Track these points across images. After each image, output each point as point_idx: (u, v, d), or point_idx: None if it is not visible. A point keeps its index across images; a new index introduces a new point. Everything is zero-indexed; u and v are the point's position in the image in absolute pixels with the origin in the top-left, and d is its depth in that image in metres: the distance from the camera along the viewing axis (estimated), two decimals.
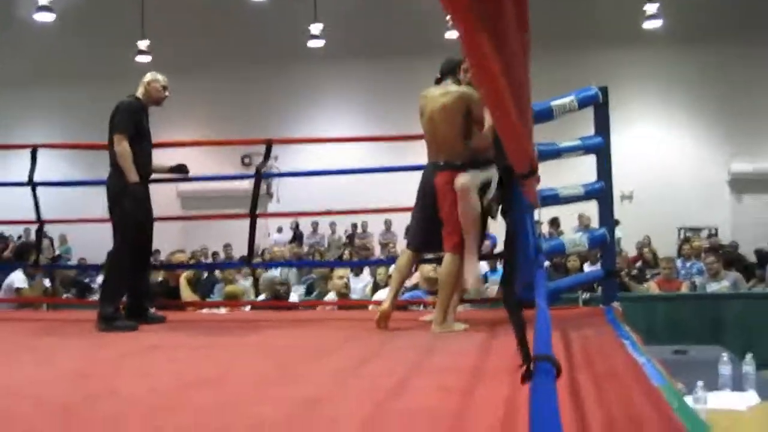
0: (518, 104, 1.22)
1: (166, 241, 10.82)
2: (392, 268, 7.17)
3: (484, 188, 4.23)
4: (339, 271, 6.88)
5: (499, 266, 10.55)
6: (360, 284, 9.69)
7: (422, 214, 4.41)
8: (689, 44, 17.01)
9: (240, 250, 14.43)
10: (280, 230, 17.21)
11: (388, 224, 16.64)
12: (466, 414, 2.37)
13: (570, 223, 13.74)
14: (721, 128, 17.21)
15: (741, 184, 17.25)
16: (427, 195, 4.35)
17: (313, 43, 17.18)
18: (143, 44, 16.81)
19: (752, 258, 14.05)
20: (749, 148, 16.99)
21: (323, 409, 2.51)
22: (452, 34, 15.88)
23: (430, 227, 4.33)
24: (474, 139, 4.25)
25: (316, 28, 16.86)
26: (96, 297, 7.05)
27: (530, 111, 1.49)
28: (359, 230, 16.88)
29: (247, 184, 14.51)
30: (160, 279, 7.51)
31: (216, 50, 18.15)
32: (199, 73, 18.09)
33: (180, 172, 5.46)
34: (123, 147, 4.68)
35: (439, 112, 4.25)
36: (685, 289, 8.98)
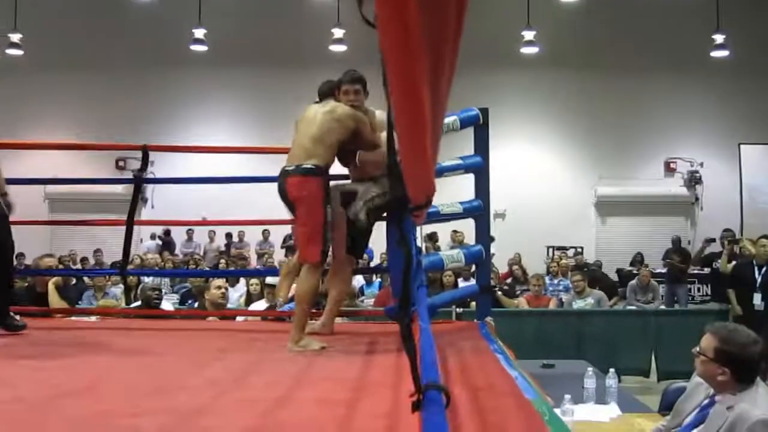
0: (434, 131, 1.23)
1: (31, 245, 10.33)
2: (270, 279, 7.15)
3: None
4: (217, 281, 6.72)
5: (376, 279, 10.69)
6: (236, 294, 9.55)
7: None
8: (563, 70, 17.77)
9: (110, 255, 13.96)
10: (153, 237, 16.68)
11: (265, 234, 16.48)
12: (348, 426, 2.38)
13: (443, 239, 14.02)
14: (589, 152, 18.06)
15: (606, 207, 18.14)
16: (285, 203, 4.07)
17: (196, 48, 16.86)
18: (15, 37, 15.98)
19: (615, 277, 14.82)
20: (615, 173, 17.90)
21: (201, 421, 2.45)
22: (336, 47, 15.98)
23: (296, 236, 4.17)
24: (367, 155, 4.17)
25: (199, 32, 16.55)
26: None
27: (439, 141, 1.51)
28: (236, 239, 16.63)
29: (120, 189, 14.22)
30: (26, 284, 7.15)
31: (95, 50, 17.47)
32: (76, 72, 17.41)
33: None
34: None
35: (318, 117, 4.05)
36: (552, 305, 9.34)
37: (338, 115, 4.06)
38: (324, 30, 16.27)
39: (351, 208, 4.17)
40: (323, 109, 4.11)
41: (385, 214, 4.33)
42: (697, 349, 3.19)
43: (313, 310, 4.38)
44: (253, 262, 15.02)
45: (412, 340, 2.31)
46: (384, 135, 4.13)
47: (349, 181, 4.44)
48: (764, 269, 8.11)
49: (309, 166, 3.93)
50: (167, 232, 16.65)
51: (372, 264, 11.10)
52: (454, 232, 13.35)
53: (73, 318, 6.07)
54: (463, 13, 1.02)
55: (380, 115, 4.19)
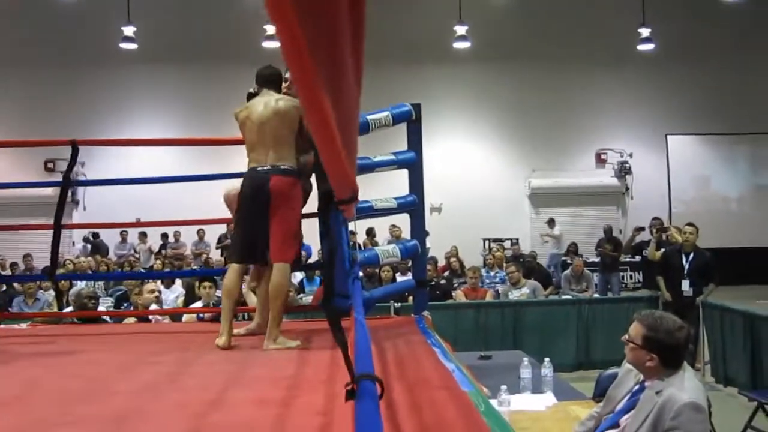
0: (344, 132, 1.24)
1: None
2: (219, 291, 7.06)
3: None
4: (149, 285, 6.61)
5: (316, 276, 10.65)
6: (172, 296, 9.40)
7: (248, 222, 4.10)
8: (495, 65, 18.02)
9: (41, 260, 13.58)
10: (86, 240, 16.22)
11: (201, 234, 16.26)
12: (284, 425, 2.37)
13: (383, 234, 14.07)
14: (522, 145, 18.35)
15: (540, 198, 18.45)
16: (256, 201, 4.02)
17: (125, 46, 16.52)
18: None
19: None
20: (547, 165, 18.24)
21: (135, 426, 2.42)
22: (269, 43, 15.85)
23: (256, 236, 4.04)
24: (308, 156, 4.17)
25: (129, 29, 16.22)
26: None
27: (356, 138, 1.51)
28: (171, 240, 16.36)
29: (50, 191, 13.82)
30: None
31: (21, 49, 16.99)
32: (1, 69, 16.90)
33: None
34: None
35: (273, 116, 4.03)
36: (489, 297, 9.44)
37: (284, 108, 4.06)
38: (257, 26, 16.11)
39: None
40: (267, 104, 4.08)
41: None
42: (626, 336, 3.27)
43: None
44: (192, 263, 14.82)
45: (340, 330, 2.32)
46: None
47: None
48: (691, 256, 8.34)
49: (286, 167, 4.01)
50: (95, 235, 16.16)
51: (311, 260, 11.06)
52: (393, 226, 13.42)
53: (1, 326, 5.90)
54: (362, 18, 1.03)
55: None
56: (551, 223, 16.72)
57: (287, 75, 4.19)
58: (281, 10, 0.82)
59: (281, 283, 3.97)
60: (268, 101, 4.10)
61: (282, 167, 4.00)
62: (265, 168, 4.01)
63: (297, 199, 4.06)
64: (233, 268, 4.19)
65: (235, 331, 4.26)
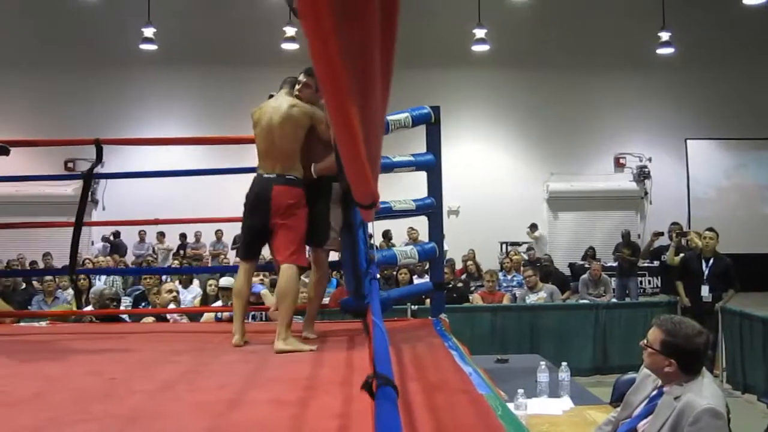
0: (369, 145, 1.23)
1: None
2: (223, 281, 7.09)
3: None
4: (167, 285, 6.64)
5: (332, 278, 10.67)
6: (189, 296, 9.44)
7: (248, 222, 4.22)
8: (514, 68, 18.00)
9: (61, 259, 13.67)
10: (105, 239, 16.32)
11: (218, 235, 16.32)
12: (301, 426, 2.37)
13: (400, 236, 14.07)
14: (541, 149, 18.28)
15: (558, 202, 18.37)
16: (258, 206, 4.13)
17: (145, 47, 16.63)
18: None
19: (567, 271, 15.02)
20: (565, 169, 18.15)
21: (153, 425, 2.42)
22: (288, 45, 15.90)
23: (254, 237, 4.20)
24: (320, 164, 4.20)
25: (149, 31, 16.32)
26: None
27: (379, 150, 1.50)
28: (192, 239, 16.43)
29: (71, 191, 13.95)
30: None
31: (42, 48, 17.17)
32: (23, 70, 17.07)
33: (1, 152, 4.99)
34: None
35: (280, 123, 4.10)
36: (506, 300, 9.42)
37: (295, 116, 4.12)
38: (276, 28, 16.17)
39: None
40: (279, 109, 4.14)
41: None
42: (645, 341, 3.25)
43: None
44: (209, 263, 14.87)
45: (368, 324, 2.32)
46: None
47: None
48: (711, 261, 8.29)
49: (291, 177, 4.11)
50: (116, 234, 16.31)
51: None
52: (410, 229, 13.42)
53: (21, 324, 5.96)
54: (394, 26, 1.02)
55: None
56: (533, 227, 16.58)
57: (301, 77, 4.22)
58: (316, 12, 0.80)
59: (288, 284, 4.01)
60: (280, 105, 4.17)
61: (287, 177, 4.10)
62: (270, 176, 4.13)
63: (302, 205, 4.13)
64: (243, 269, 4.26)
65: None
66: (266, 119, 4.17)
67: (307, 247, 4.32)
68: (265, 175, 4.14)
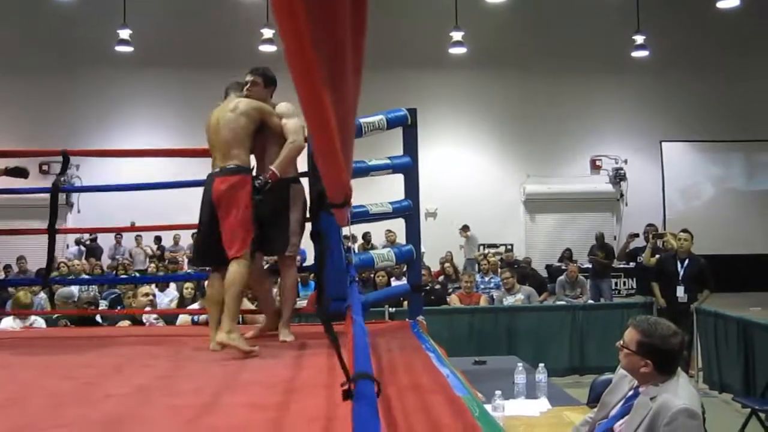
0: (342, 134, 1.22)
1: None
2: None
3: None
4: (143, 289, 6.59)
5: (311, 281, 10.64)
6: (166, 299, 9.38)
7: (202, 226, 4.17)
8: (491, 71, 18.07)
9: (35, 262, 13.52)
10: (79, 242, 16.14)
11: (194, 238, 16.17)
12: (278, 430, 2.36)
13: (378, 239, 14.07)
14: (518, 151, 18.37)
15: (534, 204, 18.47)
16: (205, 206, 4.11)
17: (121, 49, 16.49)
18: None
19: (544, 273, 15.09)
20: (542, 171, 18.24)
21: (128, 429, 2.40)
22: (266, 47, 15.84)
23: (209, 240, 4.08)
24: (277, 161, 4.15)
25: (124, 33, 16.16)
26: None
27: (352, 141, 1.50)
28: (170, 243, 16.30)
29: (45, 194, 13.76)
30: None
31: (15, 51, 16.97)
32: None
33: (19, 175, 4.99)
34: None
35: (226, 119, 4.11)
36: (483, 302, 9.44)
37: (241, 110, 4.15)
38: (253, 30, 16.11)
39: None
40: (227, 108, 4.19)
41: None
42: (621, 342, 3.27)
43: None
44: (185, 266, 14.76)
45: (332, 331, 2.32)
46: (289, 123, 4.21)
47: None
48: (686, 262, 8.36)
49: (231, 166, 4.05)
50: (93, 238, 16.15)
51: (305, 264, 11.02)
52: (388, 231, 13.44)
53: None
54: (363, 18, 1.02)
55: (284, 105, 4.29)
56: (465, 228, 16.52)
57: (248, 77, 4.29)
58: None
59: (234, 277, 3.94)
60: (227, 105, 4.22)
61: (228, 167, 4.05)
62: (214, 171, 4.11)
63: (240, 194, 4.02)
64: (214, 276, 4.18)
65: (247, 334, 4.29)
66: (214, 121, 4.19)
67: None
68: (212, 172, 4.13)
